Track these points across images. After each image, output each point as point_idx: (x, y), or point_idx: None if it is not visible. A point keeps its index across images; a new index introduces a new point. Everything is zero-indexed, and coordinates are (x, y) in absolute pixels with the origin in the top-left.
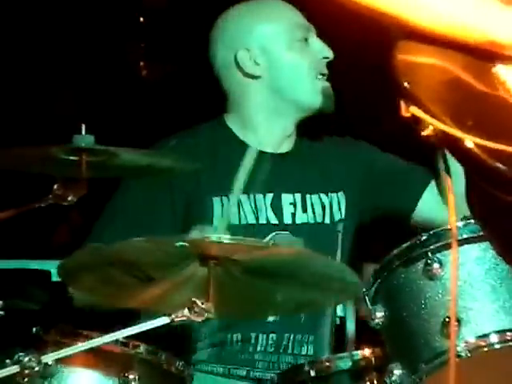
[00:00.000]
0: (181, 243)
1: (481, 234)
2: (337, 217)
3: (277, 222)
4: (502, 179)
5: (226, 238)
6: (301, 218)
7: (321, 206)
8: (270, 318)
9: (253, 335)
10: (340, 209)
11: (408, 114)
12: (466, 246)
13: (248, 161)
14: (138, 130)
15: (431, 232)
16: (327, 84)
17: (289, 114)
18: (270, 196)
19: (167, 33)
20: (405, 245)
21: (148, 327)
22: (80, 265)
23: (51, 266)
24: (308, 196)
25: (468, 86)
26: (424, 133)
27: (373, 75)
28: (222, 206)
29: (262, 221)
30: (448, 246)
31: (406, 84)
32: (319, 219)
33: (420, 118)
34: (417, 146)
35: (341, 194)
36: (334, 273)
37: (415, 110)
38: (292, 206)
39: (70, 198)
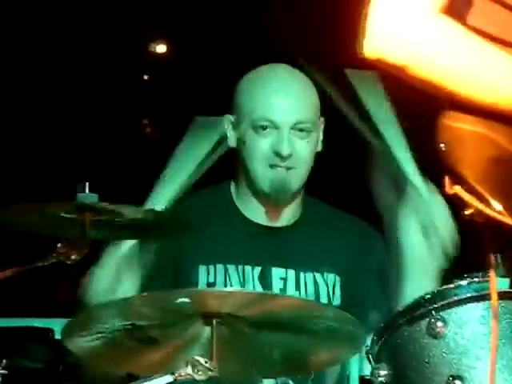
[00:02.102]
0: (182, 299)
1: (484, 293)
2: (334, 302)
3: None
4: None
5: (229, 289)
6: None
7: (313, 285)
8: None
9: None
10: (334, 292)
11: (452, 192)
12: (469, 304)
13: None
14: (141, 187)
15: (435, 290)
16: (281, 174)
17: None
18: (258, 269)
19: (170, 90)
20: (408, 303)
21: None
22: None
23: (54, 324)
24: (302, 274)
25: None
26: (467, 212)
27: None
28: (208, 274)
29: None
30: (451, 305)
31: (443, 149)
32: (312, 298)
33: (464, 198)
34: None
35: (336, 276)
36: (342, 325)
37: (459, 190)
38: (282, 281)
39: (73, 257)
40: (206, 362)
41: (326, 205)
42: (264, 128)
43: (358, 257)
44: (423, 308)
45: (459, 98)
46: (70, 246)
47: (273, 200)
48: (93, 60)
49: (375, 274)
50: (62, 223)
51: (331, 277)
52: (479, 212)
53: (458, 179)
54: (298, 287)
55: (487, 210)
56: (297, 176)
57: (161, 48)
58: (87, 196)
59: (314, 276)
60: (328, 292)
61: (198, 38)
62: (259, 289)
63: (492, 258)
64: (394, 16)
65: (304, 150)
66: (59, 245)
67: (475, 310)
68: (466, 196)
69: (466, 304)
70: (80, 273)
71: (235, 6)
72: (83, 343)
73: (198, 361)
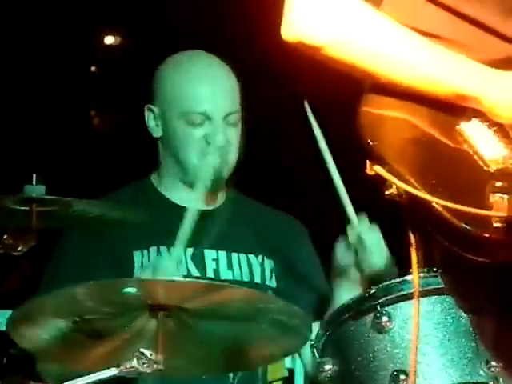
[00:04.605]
0: (128, 289)
1: (429, 288)
2: (268, 283)
3: (199, 275)
4: (466, 238)
5: (177, 279)
6: (225, 274)
7: (247, 266)
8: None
9: None
10: (271, 277)
11: (372, 173)
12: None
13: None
14: (89, 179)
15: (380, 285)
16: (215, 163)
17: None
18: (190, 250)
19: (119, 82)
20: (354, 297)
21: (96, 378)
22: (28, 317)
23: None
24: (234, 254)
25: (433, 143)
26: (387, 192)
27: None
28: (143, 256)
29: (183, 272)
30: (397, 300)
31: (369, 141)
32: (246, 278)
33: (384, 178)
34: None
35: (269, 260)
36: (289, 319)
37: (379, 170)
38: (214, 262)
39: (19, 248)
40: (151, 355)
41: (247, 197)
42: (197, 120)
43: (290, 245)
44: (369, 302)
45: (377, 80)
46: (16, 238)
47: (205, 189)
48: (41, 51)
49: (308, 265)
50: (9, 215)
51: (267, 261)
52: (400, 192)
53: (378, 160)
54: (230, 267)
55: (408, 189)
56: (228, 164)
57: (109, 39)
58: (34, 188)
59: (248, 257)
60: (263, 273)
61: (147, 30)
62: (193, 268)
63: (412, 237)
64: None
65: (234, 137)
66: (5, 236)
67: (421, 305)
68: (387, 176)
69: (411, 299)
70: (26, 264)
71: None
72: (28, 335)
73: (143, 353)
